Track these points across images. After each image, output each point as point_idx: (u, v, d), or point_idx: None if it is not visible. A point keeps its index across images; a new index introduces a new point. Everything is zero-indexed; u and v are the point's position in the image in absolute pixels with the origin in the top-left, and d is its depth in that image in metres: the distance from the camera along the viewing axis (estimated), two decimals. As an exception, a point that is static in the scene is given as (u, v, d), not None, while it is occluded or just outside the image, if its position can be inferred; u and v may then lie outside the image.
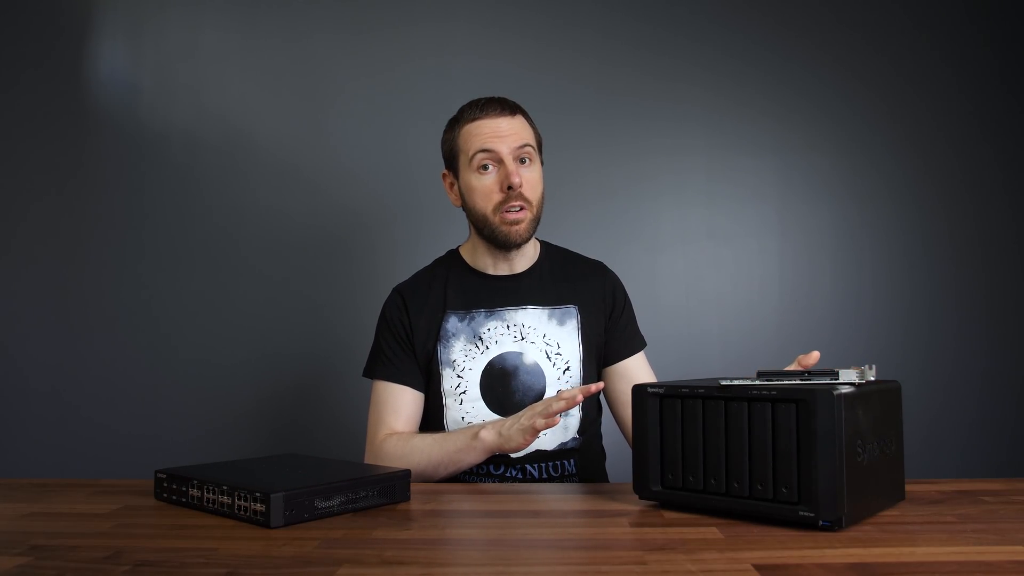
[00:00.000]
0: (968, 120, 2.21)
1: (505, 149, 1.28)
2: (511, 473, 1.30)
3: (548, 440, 1.31)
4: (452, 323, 1.33)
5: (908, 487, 0.98)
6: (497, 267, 1.37)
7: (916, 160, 2.20)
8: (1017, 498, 0.97)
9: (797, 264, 2.19)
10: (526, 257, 1.39)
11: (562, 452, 1.32)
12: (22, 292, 2.15)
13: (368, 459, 1.31)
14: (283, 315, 2.14)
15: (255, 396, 2.13)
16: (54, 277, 2.15)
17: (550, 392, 1.31)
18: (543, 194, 1.35)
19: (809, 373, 0.90)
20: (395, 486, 0.98)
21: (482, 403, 1.31)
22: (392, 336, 1.35)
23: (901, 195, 2.20)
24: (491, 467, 1.30)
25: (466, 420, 1.30)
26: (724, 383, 0.88)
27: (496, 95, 1.34)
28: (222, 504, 0.90)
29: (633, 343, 1.42)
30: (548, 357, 1.33)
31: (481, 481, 1.30)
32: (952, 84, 2.21)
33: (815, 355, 1.09)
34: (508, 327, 1.33)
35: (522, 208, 1.29)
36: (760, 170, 2.20)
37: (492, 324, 1.33)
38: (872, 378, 0.90)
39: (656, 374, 1.45)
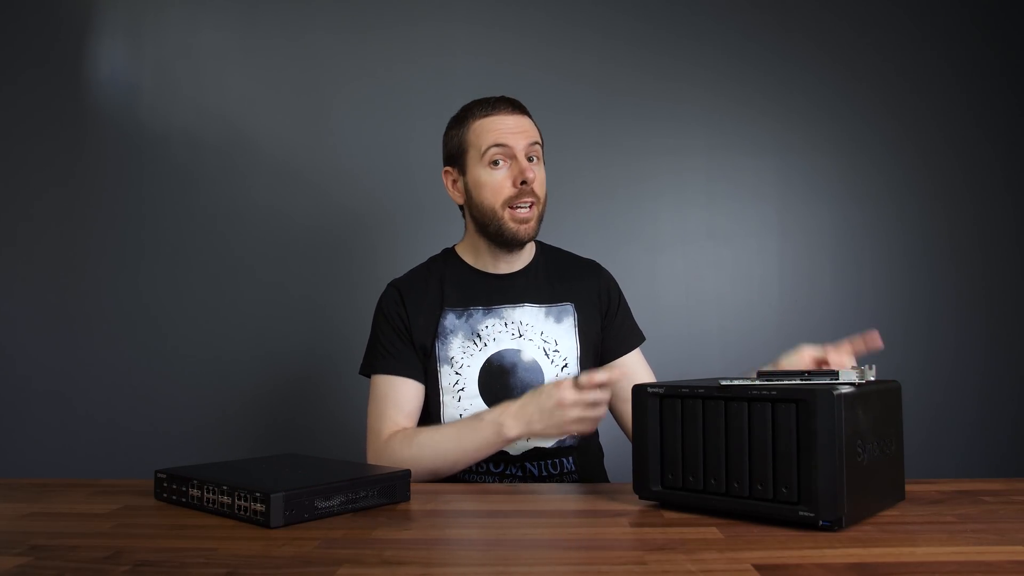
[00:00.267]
0: (968, 120, 2.21)
1: (518, 145, 1.30)
2: (511, 471, 1.30)
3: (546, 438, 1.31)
4: (450, 320, 1.33)
5: (908, 487, 0.98)
6: (496, 265, 1.38)
7: (916, 160, 2.20)
8: (1017, 498, 0.97)
9: (797, 264, 2.19)
10: (523, 256, 1.40)
11: (561, 450, 1.32)
12: (22, 292, 2.15)
13: (371, 459, 1.27)
14: (283, 315, 2.14)
15: (255, 396, 2.13)
16: (54, 277, 2.15)
17: None
18: (547, 194, 1.36)
19: (809, 373, 0.90)
20: (395, 486, 0.98)
21: (480, 400, 1.31)
22: (391, 329, 1.34)
23: (901, 195, 2.20)
24: (491, 465, 1.30)
25: (463, 417, 1.30)
26: (724, 383, 0.88)
27: (500, 95, 1.35)
28: (222, 504, 0.90)
29: (630, 340, 1.43)
30: (546, 354, 1.33)
31: (481, 480, 1.30)
32: (952, 84, 2.21)
33: (874, 337, 1.11)
34: (506, 324, 1.34)
35: (532, 205, 1.31)
36: (760, 170, 2.20)
37: (490, 321, 1.33)
38: (872, 378, 0.90)
39: (656, 374, 1.46)
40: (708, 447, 0.88)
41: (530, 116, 1.36)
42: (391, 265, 1.45)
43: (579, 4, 2.20)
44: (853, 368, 0.89)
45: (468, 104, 1.36)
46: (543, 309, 1.36)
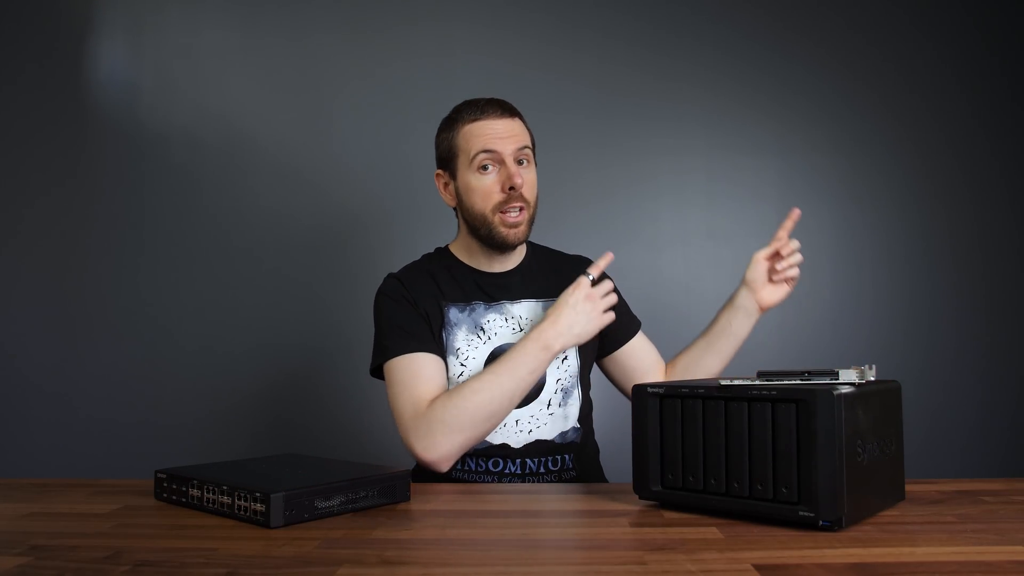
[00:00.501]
0: (968, 120, 2.21)
1: (507, 150, 1.29)
2: (511, 468, 1.30)
3: (548, 430, 1.31)
4: (453, 313, 1.33)
5: (908, 487, 0.98)
6: (490, 265, 1.38)
7: (916, 160, 2.20)
8: (1017, 498, 0.97)
9: (797, 264, 2.18)
10: (515, 255, 1.41)
11: (562, 446, 1.33)
12: (22, 291, 2.15)
13: (412, 435, 1.19)
14: (283, 315, 2.14)
15: (255, 396, 2.13)
16: (54, 276, 2.15)
17: (549, 380, 1.33)
18: (537, 196, 1.36)
19: (809, 373, 0.90)
20: (395, 486, 0.98)
21: None
22: (401, 310, 1.31)
23: (901, 195, 2.20)
24: (490, 464, 1.30)
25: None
26: (724, 383, 0.88)
27: (493, 96, 1.35)
28: (222, 504, 0.90)
29: (631, 326, 1.46)
30: None
31: (480, 479, 1.30)
32: (952, 84, 2.21)
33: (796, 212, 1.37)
34: (507, 319, 1.34)
35: (521, 209, 1.31)
36: (760, 170, 2.20)
37: (492, 316, 1.34)
38: (872, 378, 0.90)
39: (656, 373, 1.48)
40: (708, 447, 0.88)
41: (521, 117, 1.35)
42: (391, 264, 1.44)
43: (579, 4, 2.20)
44: (853, 368, 0.89)
45: (458, 106, 1.35)
46: (541, 303, 1.37)
